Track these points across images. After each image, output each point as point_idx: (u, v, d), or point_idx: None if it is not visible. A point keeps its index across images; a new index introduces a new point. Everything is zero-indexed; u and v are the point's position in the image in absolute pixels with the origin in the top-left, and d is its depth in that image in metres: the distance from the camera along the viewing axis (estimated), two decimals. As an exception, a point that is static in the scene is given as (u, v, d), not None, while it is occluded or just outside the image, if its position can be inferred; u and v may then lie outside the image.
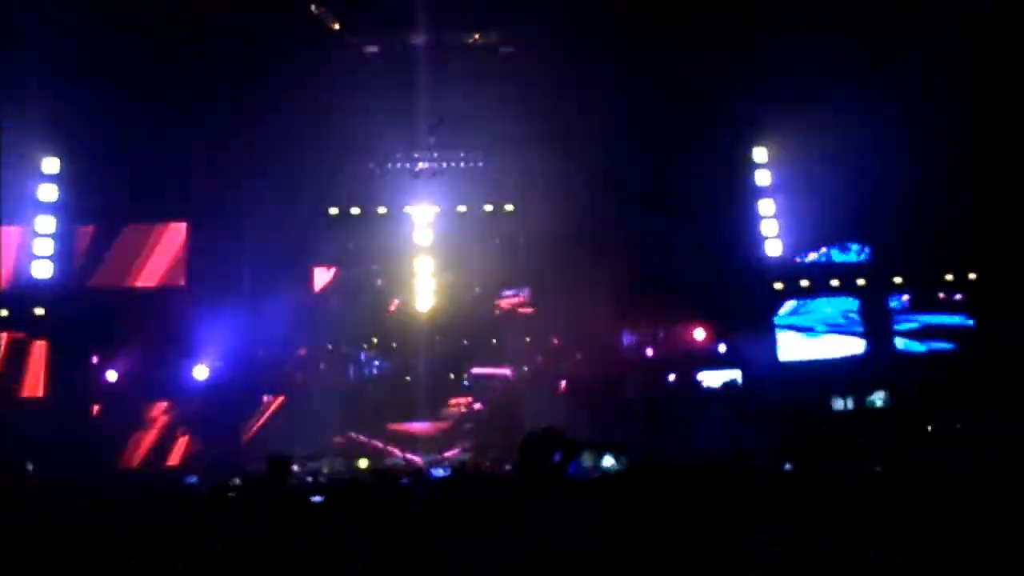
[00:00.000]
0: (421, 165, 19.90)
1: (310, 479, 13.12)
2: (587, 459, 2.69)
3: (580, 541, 2.63)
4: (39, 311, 17.98)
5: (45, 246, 18.45)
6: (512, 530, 2.64)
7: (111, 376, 18.13)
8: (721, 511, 4.35)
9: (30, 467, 4.00)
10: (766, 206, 21.02)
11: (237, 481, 5.88)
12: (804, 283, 20.79)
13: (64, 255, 18.56)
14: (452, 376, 20.01)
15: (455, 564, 3.29)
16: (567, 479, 2.70)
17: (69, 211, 18.58)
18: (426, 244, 20.30)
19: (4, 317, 18.01)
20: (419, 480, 7.42)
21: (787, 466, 6.85)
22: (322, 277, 19.76)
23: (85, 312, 17.65)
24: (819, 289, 20.84)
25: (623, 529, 2.88)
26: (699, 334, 20.32)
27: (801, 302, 20.98)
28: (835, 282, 20.80)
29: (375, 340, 19.74)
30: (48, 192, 18.56)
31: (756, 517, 4.29)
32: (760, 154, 21.15)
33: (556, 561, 2.59)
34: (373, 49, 18.99)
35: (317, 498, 6.94)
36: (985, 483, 4.90)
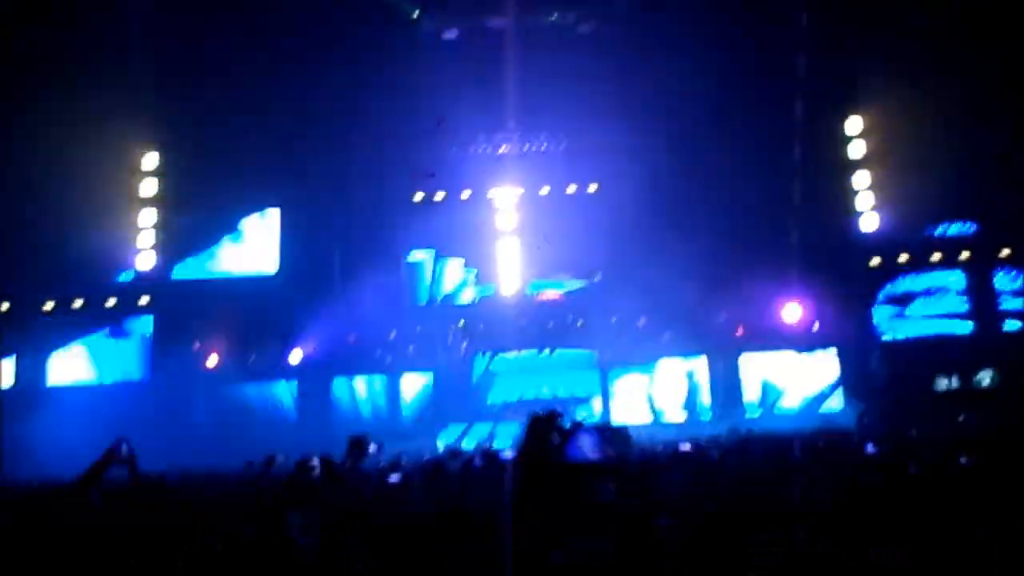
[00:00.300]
0: (503, 147, 19.96)
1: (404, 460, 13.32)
2: (586, 442, 2.61)
3: (562, 527, 2.59)
4: (143, 300, 18.93)
5: (148, 238, 19.36)
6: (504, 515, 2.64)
7: (211, 362, 18.91)
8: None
9: (125, 447, 4.15)
10: (861, 178, 20.22)
11: (315, 460, 6.02)
12: (903, 258, 19.90)
13: (166, 246, 19.41)
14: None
15: (455, 563, 3.27)
16: (564, 462, 2.64)
17: (168, 203, 19.42)
18: (510, 227, 20.35)
19: (112, 307, 18.99)
20: (490, 460, 7.50)
21: (870, 448, 6.60)
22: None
23: (185, 300, 18.37)
24: (919, 264, 19.92)
25: (601, 516, 2.84)
26: (791, 312, 19.69)
27: (901, 278, 20.14)
28: (936, 256, 19.83)
29: (462, 322, 19.86)
30: (149, 186, 19.45)
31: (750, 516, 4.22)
32: (855, 124, 20.33)
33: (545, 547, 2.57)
34: (452, 34, 19.11)
35: (395, 477, 7.06)
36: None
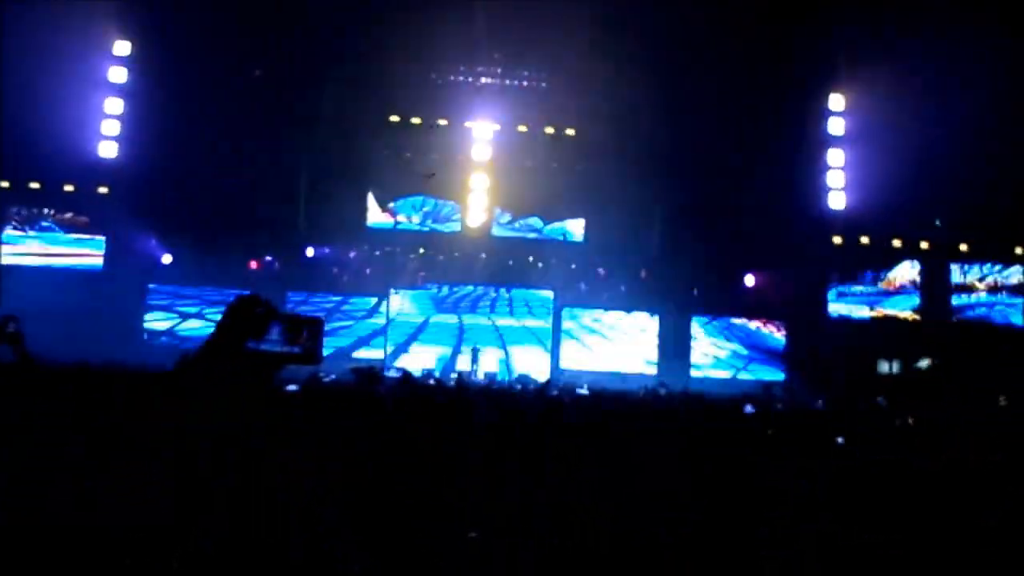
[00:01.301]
0: (484, 80, 19.66)
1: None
2: (276, 334, 2.45)
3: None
4: (102, 190, 18.65)
5: (112, 127, 18.97)
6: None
7: (166, 259, 18.78)
8: None
9: (12, 326, 3.95)
10: (836, 156, 20.23)
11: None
12: (864, 240, 20.07)
13: (129, 137, 19.01)
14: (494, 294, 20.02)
15: (454, 564, 3.26)
16: (250, 350, 2.50)
17: (136, 94, 18.97)
18: (483, 160, 20.17)
19: (70, 192, 18.71)
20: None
21: (747, 408, 6.79)
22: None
23: (145, 194, 18.05)
24: (879, 248, 20.11)
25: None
26: (749, 278, 19.97)
27: (859, 259, 20.37)
28: (897, 242, 20.03)
29: (421, 251, 19.84)
30: (118, 75, 18.98)
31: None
32: (837, 101, 20.24)
33: None
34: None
35: (293, 387, 7.12)
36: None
